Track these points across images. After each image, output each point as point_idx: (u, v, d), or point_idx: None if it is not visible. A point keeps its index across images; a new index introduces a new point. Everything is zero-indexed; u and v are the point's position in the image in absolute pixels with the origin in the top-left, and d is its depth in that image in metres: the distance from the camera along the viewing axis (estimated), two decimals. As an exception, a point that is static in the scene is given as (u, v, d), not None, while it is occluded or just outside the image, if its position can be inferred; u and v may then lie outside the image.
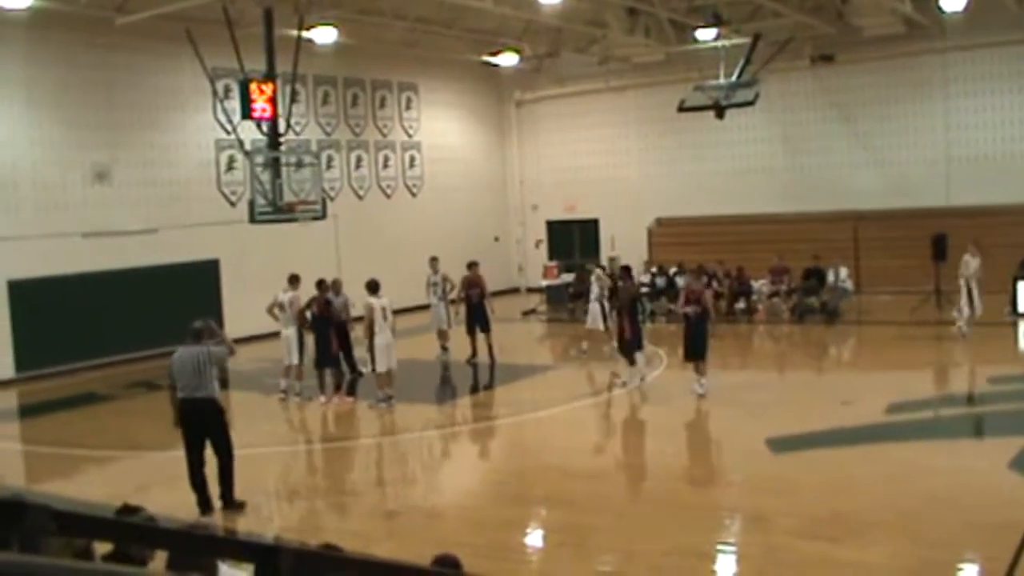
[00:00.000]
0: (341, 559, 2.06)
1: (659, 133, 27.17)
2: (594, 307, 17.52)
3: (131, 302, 19.32)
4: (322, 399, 15.09)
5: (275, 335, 15.92)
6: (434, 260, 18.68)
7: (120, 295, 19.25)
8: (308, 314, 15.26)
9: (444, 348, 18.60)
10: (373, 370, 14.37)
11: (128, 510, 5.53)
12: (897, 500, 9.24)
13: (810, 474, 10.33)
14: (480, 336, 17.90)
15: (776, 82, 24.34)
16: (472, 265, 18.39)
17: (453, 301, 18.56)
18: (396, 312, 14.65)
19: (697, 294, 14.85)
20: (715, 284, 22.69)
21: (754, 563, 8.16)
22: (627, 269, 16.53)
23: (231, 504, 9.79)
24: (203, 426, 9.73)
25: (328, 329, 15.26)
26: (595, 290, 17.59)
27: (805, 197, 25.02)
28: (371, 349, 14.22)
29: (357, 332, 15.68)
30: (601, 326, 17.39)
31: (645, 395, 14.83)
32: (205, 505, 9.68)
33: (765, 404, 13.62)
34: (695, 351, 14.44)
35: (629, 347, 15.12)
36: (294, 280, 15.47)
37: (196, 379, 9.57)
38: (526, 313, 24.87)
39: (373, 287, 14.29)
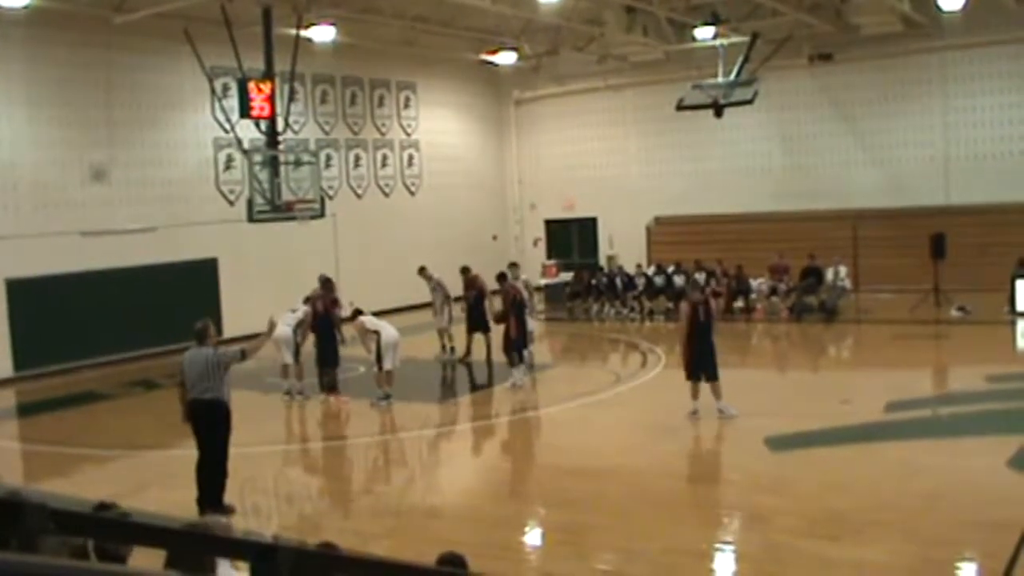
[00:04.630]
0: (342, 558, 2.05)
1: (657, 132, 27.15)
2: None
3: (129, 301, 19.32)
4: (325, 397, 15.09)
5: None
6: (422, 270, 18.91)
7: (118, 294, 19.24)
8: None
9: (445, 348, 18.61)
10: (380, 369, 14.37)
11: (103, 507, 5.51)
12: (896, 498, 9.24)
13: (809, 473, 10.33)
14: (479, 337, 17.85)
15: (774, 81, 24.34)
16: (465, 270, 18.41)
17: (458, 299, 18.65)
18: (394, 311, 14.65)
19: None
20: (713, 283, 22.72)
21: (753, 562, 8.16)
22: (503, 274, 16.71)
23: (219, 507, 9.64)
24: (207, 426, 9.73)
25: (332, 328, 15.26)
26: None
27: (804, 196, 25.01)
28: (378, 350, 14.21)
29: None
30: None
31: (642, 395, 14.83)
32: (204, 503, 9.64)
33: (763, 403, 13.61)
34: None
35: (515, 346, 15.43)
36: (313, 296, 15.54)
37: (204, 381, 9.56)
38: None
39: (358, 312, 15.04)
